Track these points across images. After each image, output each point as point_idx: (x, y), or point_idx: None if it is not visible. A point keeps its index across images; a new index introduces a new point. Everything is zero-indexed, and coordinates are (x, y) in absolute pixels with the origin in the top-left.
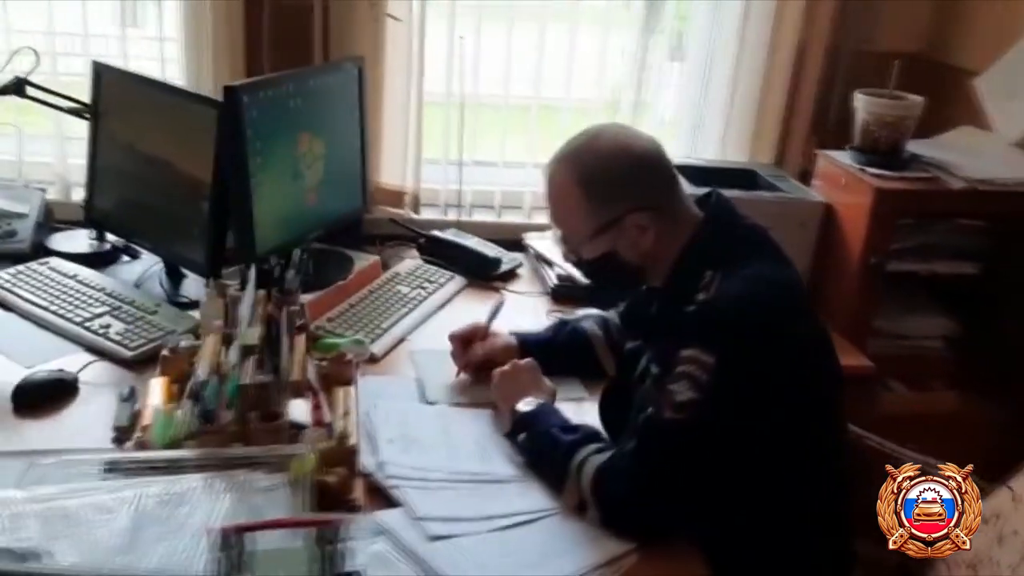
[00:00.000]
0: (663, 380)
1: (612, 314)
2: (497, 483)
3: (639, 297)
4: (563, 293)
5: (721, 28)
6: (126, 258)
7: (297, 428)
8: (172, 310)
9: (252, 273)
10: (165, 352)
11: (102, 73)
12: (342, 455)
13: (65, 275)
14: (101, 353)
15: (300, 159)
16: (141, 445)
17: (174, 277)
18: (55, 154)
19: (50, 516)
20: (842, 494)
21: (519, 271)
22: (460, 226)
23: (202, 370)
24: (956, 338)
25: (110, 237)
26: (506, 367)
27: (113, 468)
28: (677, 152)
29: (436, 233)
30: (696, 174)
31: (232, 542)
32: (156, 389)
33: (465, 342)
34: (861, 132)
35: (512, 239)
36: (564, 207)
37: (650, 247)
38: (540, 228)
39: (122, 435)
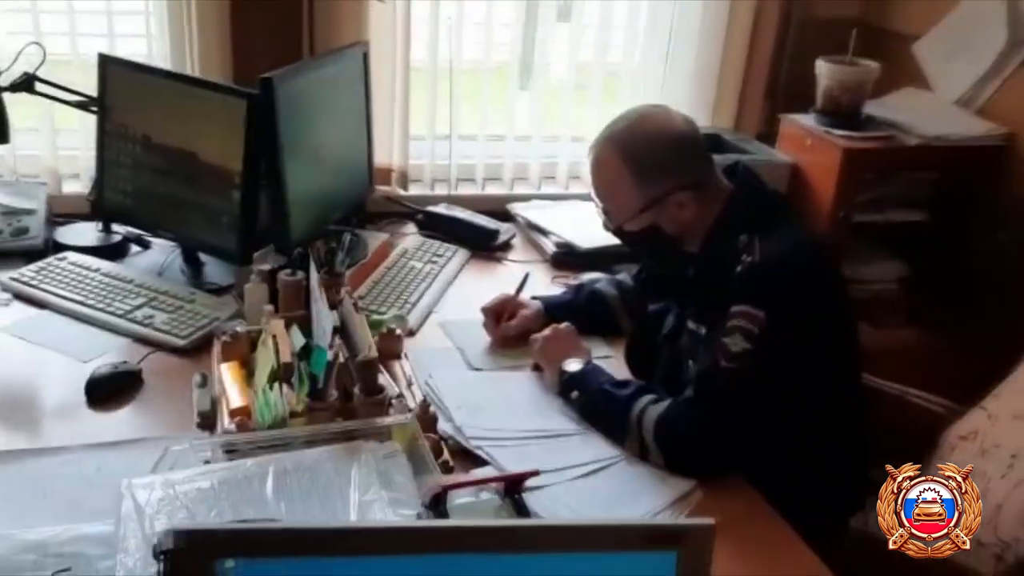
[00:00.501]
0: (714, 335)
1: (624, 276)
2: (562, 437)
3: (661, 264)
4: (562, 259)
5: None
6: (136, 248)
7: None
8: (208, 297)
9: (311, 259)
10: (225, 338)
11: (108, 65)
12: (426, 422)
13: (89, 269)
14: (153, 344)
15: (321, 144)
16: (243, 427)
17: (193, 264)
18: (45, 147)
19: (212, 492)
20: (861, 421)
21: (513, 241)
22: (450, 200)
23: (285, 352)
24: (909, 280)
25: (117, 228)
26: (547, 331)
27: (232, 449)
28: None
29: (433, 208)
30: None
31: (440, 499)
32: (228, 374)
33: (498, 314)
34: (824, 96)
35: (497, 210)
36: (611, 185)
37: (689, 219)
38: (524, 198)
39: (206, 420)
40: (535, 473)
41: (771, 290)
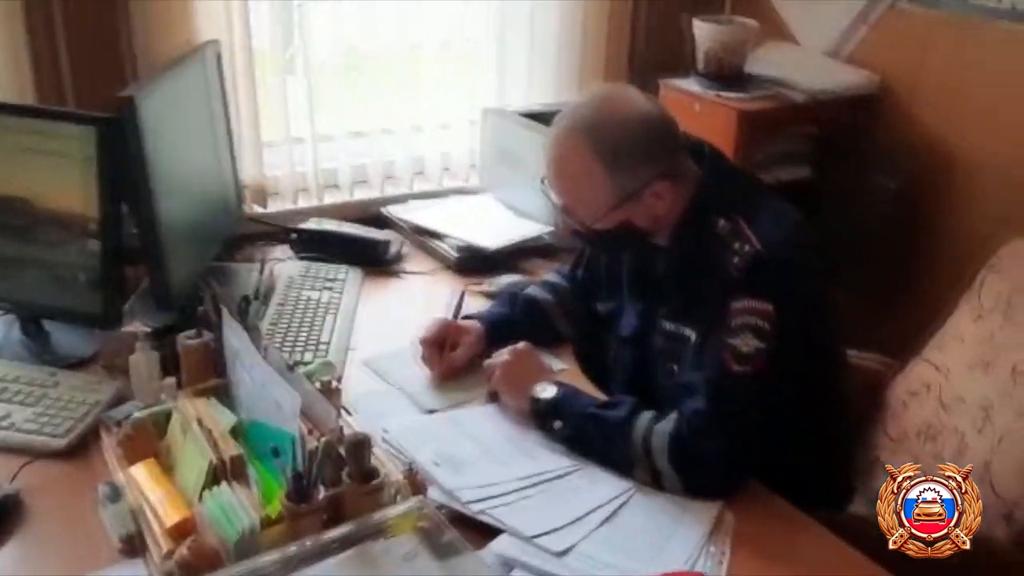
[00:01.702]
0: (714, 335)
1: (554, 278)
2: (563, 477)
3: (605, 257)
4: (468, 264)
5: None
6: None
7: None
8: (73, 376)
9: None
10: (125, 431)
11: None
12: (417, 492)
13: None
14: (22, 452)
15: (190, 169)
16: (200, 553)
17: (36, 335)
18: None
19: None
20: (848, 403)
21: (404, 250)
22: (319, 213)
23: (224, 441)
24: None
25: None
26: (505, 356)
27: None
28: (492, 97)
29: (307, 225)
30: (544, 119)
31: None
32: (144, 478)
33: (439, 344)
34: (706, 58)
35: (370, 216)
36: (580, 182)
37: (663, 211)
38: (398, 200)
39: (132, 544)
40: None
41: (777, 280)
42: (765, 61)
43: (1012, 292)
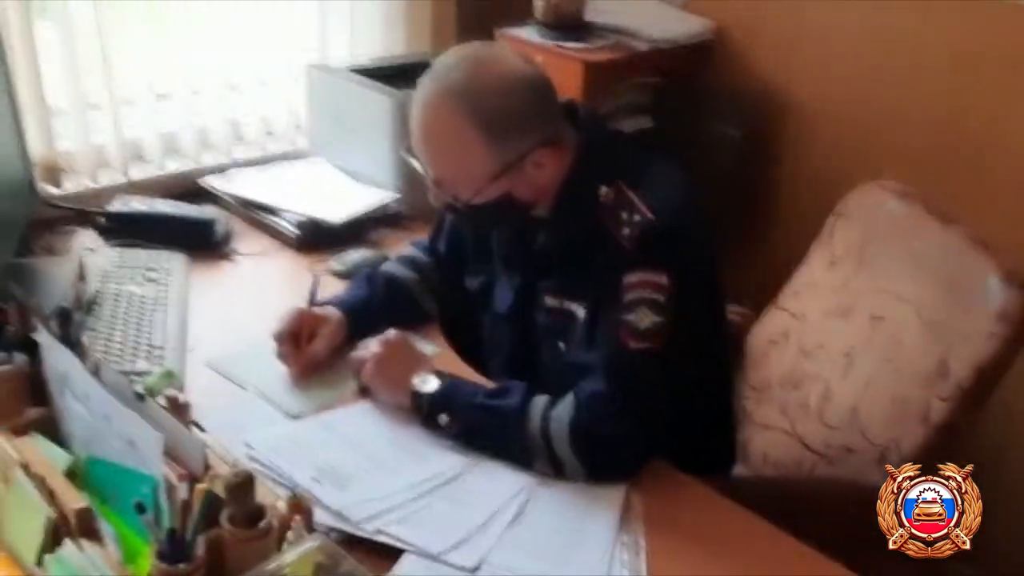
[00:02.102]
0: (606, 311)
1: (412, 251)
2: (459, 478)
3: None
4: (310, 241)
5: None
6: None
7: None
8: None
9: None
10: None
11: None
12: (307, 522)
13: None
14: None
15: None
16: None
17: None
18: None
19: None
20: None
21: (233, 228)
22: (128, 190)
23: (65, 491)
24: None
25: None
26: (375, 348)
27: None
28: (313, 51)
29: (116, 207)
30: (375, 75)
31: None
32: None
33: (296, 337)
34: (544, 6)
35: (187, 191)
36: (454, 153)
37: (545, 180)
38: (218, 170)
39: None
40: None
41: (671, 249)
42: (601, 8)
43: (864, 239)
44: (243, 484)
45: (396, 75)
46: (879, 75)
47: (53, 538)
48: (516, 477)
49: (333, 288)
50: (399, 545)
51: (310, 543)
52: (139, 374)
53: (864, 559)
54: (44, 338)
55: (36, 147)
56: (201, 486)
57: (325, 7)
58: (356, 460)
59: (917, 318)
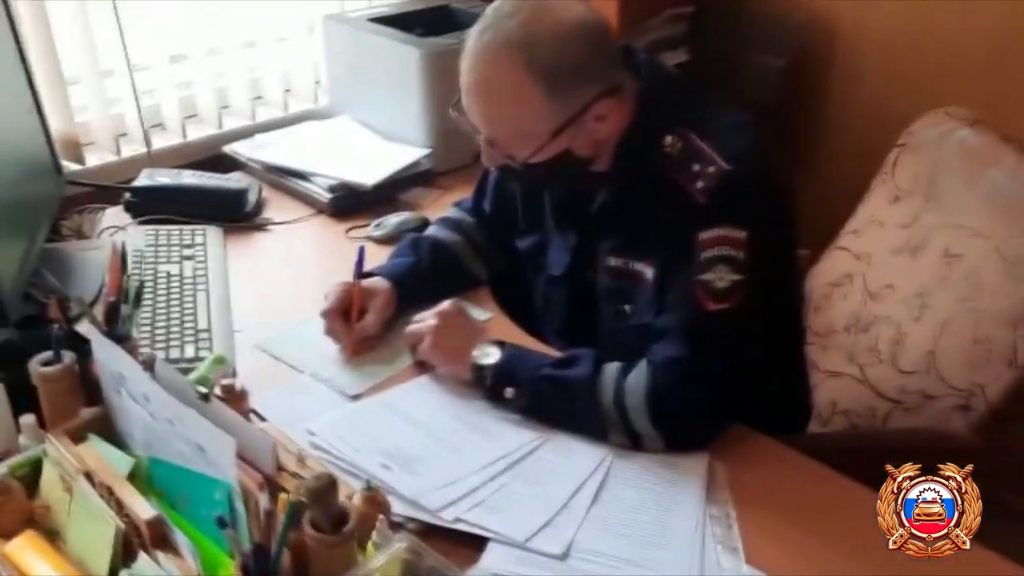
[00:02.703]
0: (679, 271)
1: (456, 213)
2: (529, 457)
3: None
4: (345, 205)
5: None
6: None
7: None
8: None
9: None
10: None
11: None
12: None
13: None
14: None
15: None
16: None
17: None
18: None
19: None
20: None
21: (264, 196)
22: (151, 163)
23: (133, 501)
24: None
25: None
26: (432, 322)
27: None
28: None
29: (143, 181)
30: (396, 24)
31: None
32: (29, 556)
33: (346, 314)
34: None
35: (210, 158)
36: (513, 109)
37: (606, 133)
38: (241, 135)
39: None
40: None
41: (750, 202)
42: None
43: (933, 171)
44: (327, 489)
45: (417, 22)
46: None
47: (125, 551)
48: (591, 451)
49: (373, 254)
50: (481, 533)
51: (397, 544)
52: (189, 361)
53: None
54: (94, 335)
55: (56, 122)
56: (284, 496)
57: None
58: (423, 441)
59: (997, 254)
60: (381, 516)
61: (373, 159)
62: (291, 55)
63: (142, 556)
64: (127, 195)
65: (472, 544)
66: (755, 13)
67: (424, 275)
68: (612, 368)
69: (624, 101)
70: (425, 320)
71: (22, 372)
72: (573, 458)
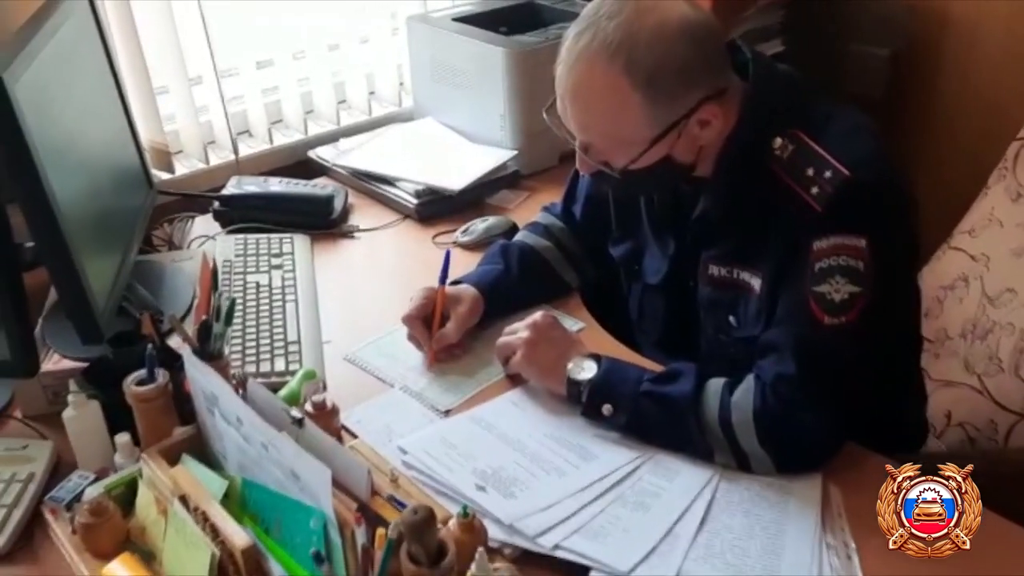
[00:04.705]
0: (791, 282)
1: (545, 218)
2: (630, 479)
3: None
4: (432, 211)
5: None
6: None
7: None
8: None
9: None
10: (85, 517)
11: None
12: (478, 542)
13: None
14: None
15: (86, 153)
16: None
17: None
18: None
19: None
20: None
21: (350, 203)
22: (239, 170)
23: (227, 525)
24: None
25: None
26: (525, 334)
27: None
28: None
29: (230, 190)
30: (480, 23)
31: None
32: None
33: (428, 320)
34: None
35: (296, 164)
36: (611, 114)
37: (709, 138)
38: (326, 140)
39: None
40: None
41: (870, 209)
42: None
43: None
44: (426, 523)
45: (502, 20)
46: None
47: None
48: (696, 472)
49: (461, 261)
50: (582, 562)
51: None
52: (279, 374)
53: None
54: (187, 355)
55: (144, 132)
56: (382, 531)
57: None
58: (518, 460)
59: None
60: (481, 549)
61: (458, 162)
62: (374, 57)
63: None
64: (216, 204)
65: (572, 572)
66: (856, 1)
67: (513, 283)
68: (717, 384)
69: (730, 104)
70: (517, 332)
71: (117, 390)
72: (677, 480)
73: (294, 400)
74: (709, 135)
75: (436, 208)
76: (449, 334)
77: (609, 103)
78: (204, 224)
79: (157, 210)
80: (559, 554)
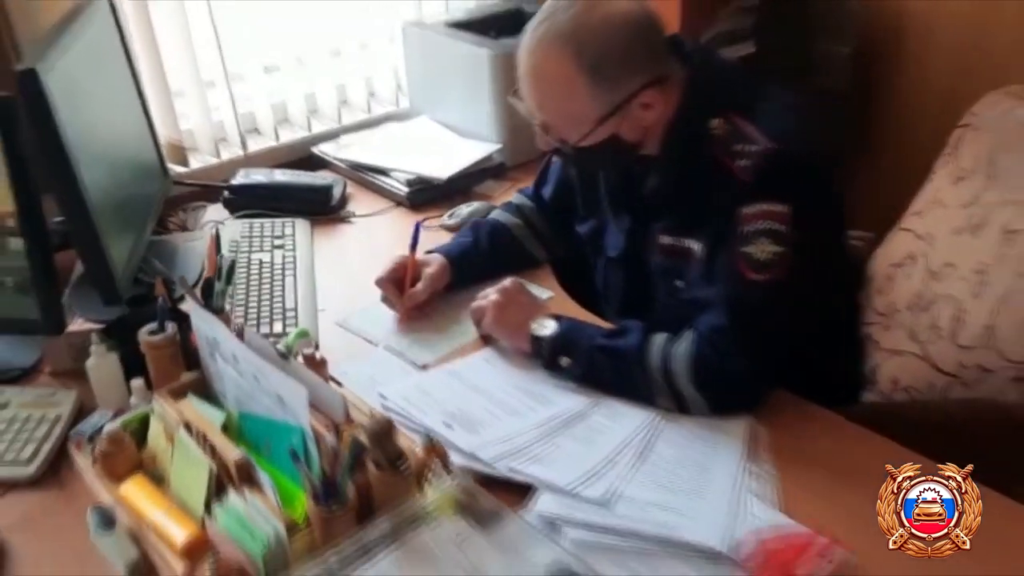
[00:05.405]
0: (725, 245)
1: (519, 199)
2: (581, 419)
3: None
4: (421, 198)
5: None
6: None
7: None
8: (22, 392)
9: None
10: (104, 446)
11: None
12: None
13: None
14: None
15: (109, 141)
16: (227, 570)
17: None
18: None
19: None
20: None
21: (348, 192)
22: (246, 163)
23: (224, 445)
24: None
25: None
26: (493, 296)
27: None
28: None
29: (239, 180)
30: (471, 28)
31: None
32: (136, 495)
33: (399, 282)
34: None
35: (301, 158)
36: (561, 96)
37: (653, 119)
38: (328, 137)
39: (140, 573)
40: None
41: (791, 178)
42: None
43: (994, 149)
44: (384, 431)
45: (491, 26)
46: None
47: (217, 488)
48: (640, 414)
49: (444, 240)
50: (531, 482)
51: (449, 481)
52: (276, 335)
53: (1005, 480)
54: (193, 308)
55: (163, 129)
56: (347, 433)
57: None
58: (484, 405)
59: None
60: (438, 460)
61: (448, 155)
62: (374, 61)
63: (231, 493)
64: (225, 193)
65: (522, 493)
66: (821, 3)
67: (480, 254)
68: (660, 337)
69: (671, 90)
70: (488, 296)
71: (133, 342)
72: (622, 420)
73: (287, 351)
74: (651, 116)
75: (426, 195)
76: (418, 293)
77: (560, 85)
78: (215, 211)
79: (172, 199)
80: (512, 476)
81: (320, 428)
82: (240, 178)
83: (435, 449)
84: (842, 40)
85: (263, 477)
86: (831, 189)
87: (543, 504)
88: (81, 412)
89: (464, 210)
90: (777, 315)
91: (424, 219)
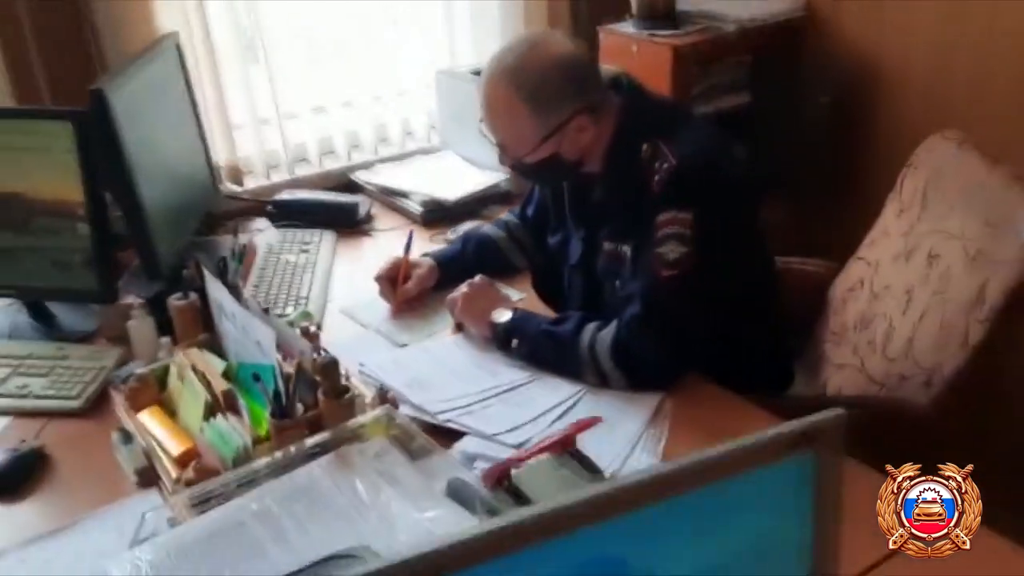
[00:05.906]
0: (645, 248)
1: (508, 216)
2: (520, 387)
3: (548, 191)
4: (433, 217)
5: None
6: None
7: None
8: (80, 348)
9: (206, 275)
10: (131, 384)
11: None
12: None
13: None
14: (42, 414)
15: (164, 153)
16: (203, 472)
17: (43, 317)
18: None
19: (214, 550)
20: (777, 296)
21: (373, 211)
22: (291, 185)
23: (217, 380)
24: (749, 160)
25: None
26: (464, 289)
27: (205, 499)
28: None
29: (281, 197)
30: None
31: (504, 477)
32: (152, 421)
33: (392, 279)
34: (639, 3)
35: (340, 184)
36: (508, 121)
37: (588, 142)
38: (365, 166)
39: (146, 476)
40: (598, 420)
41: (693, 189)
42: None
43: (927, 183)
44: (330, 365)
45: None
46: (959, 42)
47: (209, 413)
48: (569, 387)
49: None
50: (463, 429)
51: (383, 412)
52: (286, 315)
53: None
54: (209, 280)
55: (222, 155)
56: (297, 360)
57: (451, 12)
58: (442, 374)
59: (963, 252)
60: (378, 398)
61: (461, 182)
62: (412, 104)
63: (218, 416)
64: (269, 207)
65: (455, 438)
66: (810, 58)
67: (466, 259)
68: (592, 325)
69: (605, 117)
70: (460, 289)
71: (166, 311)
72: (553, 391)
73: (289, 325)
74: (586, 138)
75: (436, 215)
76: (409, 289)
77: (506, 112)
78: (260, 223)
79: (228, 212)
80: (448, 424)
81: (283, 363)
82: (283, 196)
83: (385, 397)
84: (823, 91)
85: (242, 404)
86: (739, 198)
87: (465, 444)
88: (123, 364)
89: (465, 227)
90: (684, 305)
91: (438, 240)
